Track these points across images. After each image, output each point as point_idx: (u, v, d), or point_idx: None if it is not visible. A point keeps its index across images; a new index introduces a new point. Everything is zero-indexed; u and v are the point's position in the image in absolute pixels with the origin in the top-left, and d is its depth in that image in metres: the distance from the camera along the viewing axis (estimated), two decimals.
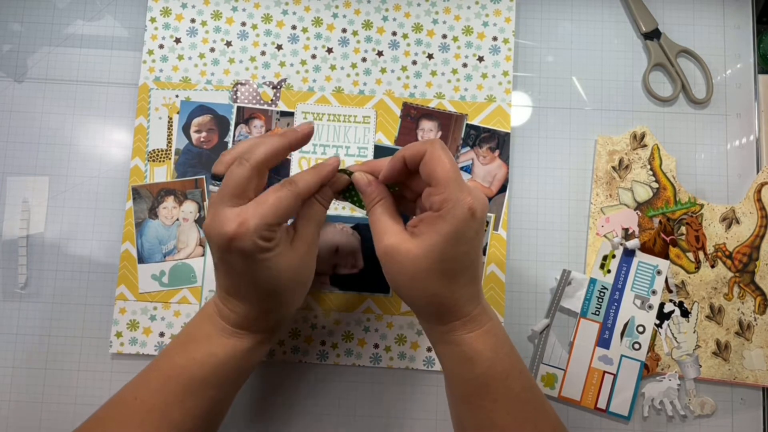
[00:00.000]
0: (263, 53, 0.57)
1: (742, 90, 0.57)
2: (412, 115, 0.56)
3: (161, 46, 0.56)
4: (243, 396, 0.53)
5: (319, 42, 0.57)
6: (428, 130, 0.55)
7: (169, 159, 0.55)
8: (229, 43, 0.57)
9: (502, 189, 0.55)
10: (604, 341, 0.53)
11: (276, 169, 0.54)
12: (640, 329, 0.53)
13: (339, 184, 0.43)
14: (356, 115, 0.56)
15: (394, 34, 0.57)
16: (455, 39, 0.57)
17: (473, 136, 0.55)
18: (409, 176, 0.42)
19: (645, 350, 0.53)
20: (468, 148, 0.55)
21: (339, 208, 0.55)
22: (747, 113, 0.57)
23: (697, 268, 0.54)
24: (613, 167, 0.55)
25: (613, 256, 0.54)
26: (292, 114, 0.56)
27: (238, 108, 0.56)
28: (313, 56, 0.57)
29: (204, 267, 0.54)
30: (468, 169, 0.55)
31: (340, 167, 0.43)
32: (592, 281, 0.54)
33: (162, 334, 0.53)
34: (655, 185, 0.55)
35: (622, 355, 0.53)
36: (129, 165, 0.55)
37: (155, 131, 0.55)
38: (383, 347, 0.53)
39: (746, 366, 0.53)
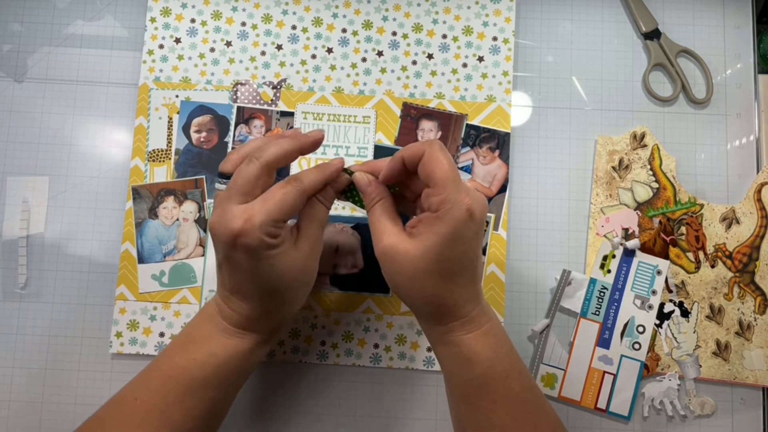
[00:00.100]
0: (263, 53, 0.57)
1: (742, 90, 0.57)
2: (412, 115, 0.56)
3: (161, 46, 0.56)
4: (243, 396, 0.53)
5: (319, 42, 0.57)
6: (428, 130, 0.55)
7: (169, 159, 0.55)
8: (229, 43, 0.57)
9: (502, 189, 0.55)
10: (604, 341, 0.53)
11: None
12: (640, 329, 0.53)
13: (340, 183, 0.43)
14: (356, 115, 0.56)
15: (394, 34, 0.57)
16: (455, 39, 0.57)
17: (473, 136, 0.55)
18: (408, 177, 0.42)
19: (645, 350, 0.53)
20: (468, 148, 0.55)
21: (339, 208, 0.55)
22: (747, 113, 0.57)
23: (697, 268, 0.54)
24: (613, 167, 0.55)
25: (613, 256, 0.54)
26: (292, 114, 0.56)
27: (238, 108, 0.56)
28: (313, 56, 0.57)
29: (204, 267, 0.54)
30: (468, 169, 0.55)
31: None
32: (592, 281, 0.54)
33: (162, 334, 0.53)
34: (655, 185, 0.55)
35: (622, 355, 0.53)
36: (129, 165, 0.55)
37: (155, 131, 0.55)
38: (383, 347, 0.53)
39: (746, 366, 0.53)
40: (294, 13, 0.57)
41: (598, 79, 0.57)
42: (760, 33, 0.58)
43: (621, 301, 0.53)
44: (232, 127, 0.56)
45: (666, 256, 0.54)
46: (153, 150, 0.55)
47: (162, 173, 0.55)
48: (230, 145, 0.55)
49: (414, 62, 0.57)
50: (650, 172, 0.55)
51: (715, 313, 0.53)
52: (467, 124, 0.55)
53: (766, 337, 0.53)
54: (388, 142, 0.55)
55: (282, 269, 0.39)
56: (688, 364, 0.53)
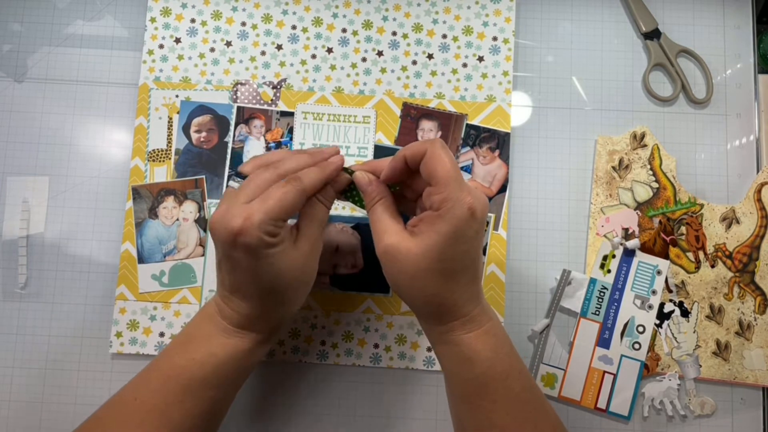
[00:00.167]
0: (263, 53, 0.57)
1: (742, 90, 0.57)
2: (412, 115, 0.56)
3: (161, 46, 0.56)
4: (243, 396, 0.53)
5: (319, 42, 0.57)
6: (428, 130, 0.55)
7: (169, 159, 0.55)
8: (229, 43, 0.57)
9: (502, 189, 0.55)
10: (604, 341, 0.53)
11: None
12: (640, 329, 0.53)
13: (340, 183, 0.43)
14: (356, 115, 0.56)
15: (394, 34, 0.57)
16: (455, 39, 0.57)
17: (473, 136, 0.55)
18: (410, 176, 0.42)
19: (645, 350, 0.53)
20: (468, 148, 0.55)
21: (339, 208, 0.55)
22: (747, 113, 0.57)
23: (697, 268, 0.54)
24: (613, 167, 0.55)
25: (613, 256, 0.54)
26: (292, 114, 0.56)
27: (238, 108, 0.56)
28: (313, 56, 0.57)
29: (204, 267, 0.54)
30: (468, 169, 0.55)
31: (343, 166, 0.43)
32: (592, 281, 0.54)
33: (162, 334, 0.53)
34: (655, 185, 0.55)
35: (622, 355, 0.53)
36: (129, 165, 0.55)
37: (155, 131, 0.55)
38: (383, 347, 0.53)
39: (746, 366, 0.53)
40: (294, 13, 0.57)
41: (598, 79, 0.57)
42: (760, 33, 0.58)
43: (621, 301, 0.53)
44: (232, 127, 0.56)
45: (666, 256, 0.54)
46: (153, 150, 0.55)
47: (162, 173, 0.55)
48: (230, 145, 0.55)
49: (414, 62, 0.57)
50: (650, 172, 0.55)
51: (715, 313, 0.53)
52: (467, 124, 0.55)
53: (766, 337, 0.53)
54: (388, 142, 0.55)
55: (281, 268, 0.39)
56: (688, 364, 0.53)
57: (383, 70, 0.56)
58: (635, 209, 0.55)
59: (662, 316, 0.53)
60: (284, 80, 0.56)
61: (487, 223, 0.54)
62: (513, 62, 0.56)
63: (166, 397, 0.40)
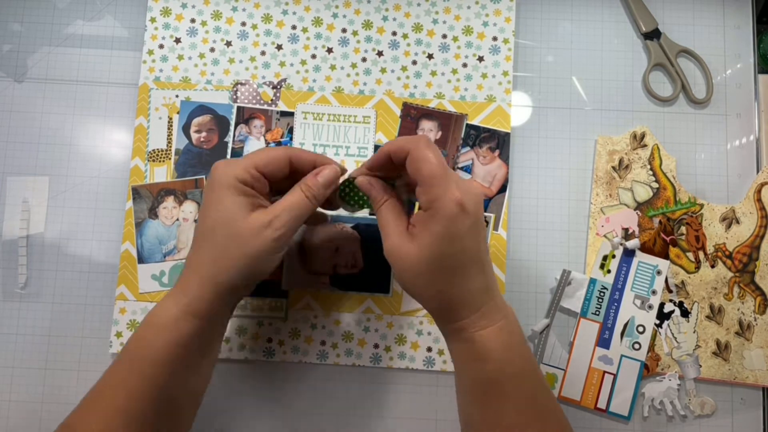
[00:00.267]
0: (263, 53, 0.57)
1: (742, 90, 0.57)
2: (412, 115, 0.56)
3: (161, 46, 0.56)
4: (243, 396, 0.53)
5: (319, 42, 0.57)
6: (428, 130, 0.55)
7: (169, 159, 0.55)
8: (229, 43, 0.57)
9: (502, 189, 0.55)
10: (604, 341, 0.53)
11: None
12: (640, 329, 0.53)
13: (328, 177, 0.44)
14: (356, 115, 0.56)
15: (394, 34, 0.57)
16: (455, 39, 0.57)
17: (473, 136, 0.55)
18: (402, 168, 0.42)
19: (645, 350, 0.53)
20: (468, 148, 0.55)
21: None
22: (747, 113, 0.57)
23: (697, 268, 0.54)
24: (613, 167, 0.55)
25: (613, 256, 0.54)
26: (292, 114, 0.56)
27: (238, 108, 0.56)
28: (313, 56, 0.57)
29: None
30: (468, 169, 0.55)
31: (342, 178, 0.45)
32: (592, 281, 0.54)
33: None
34: (655, 185, 0.55)
35: (622, 355, 0.53)
36: (129, 165, 0.55)
37: (155, 131, 0.55)
38: (383, 347, 0.53)
39: (746, 366, 0.53)
40: (294, 13, 0.57)
41: (598, 79, 0.57)
42: (760, 33, 0.58)
43: (621, 301, 0.53)
44: (232, 127, 0.56)
45: (666, 256, 0.54)
46: (153, 150, 0.55)
47: (162, 173, 0.55)
48: (230, 145, 0.55)
49: (414, 62, 0.57)
50: (650, 172, 0.55)
51: (715, 313, 0.53)
52: (467, 124, 0.55)
53: (766, 337, 0.53)
54: None
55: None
56: (688, 364, 0.53)
57: (383, 70, 0.56)
58: (635, 209, 0.55)
59: (662, 316, 0.53)
60: (284, 80, 0.56)
61: (487, 222, 0.54)
62: (513, 62, 0.56)
63: (112, 379, 0.40)
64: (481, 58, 0.56)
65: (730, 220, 0.54)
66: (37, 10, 0.58)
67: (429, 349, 0.53)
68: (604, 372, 0.53)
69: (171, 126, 0.55)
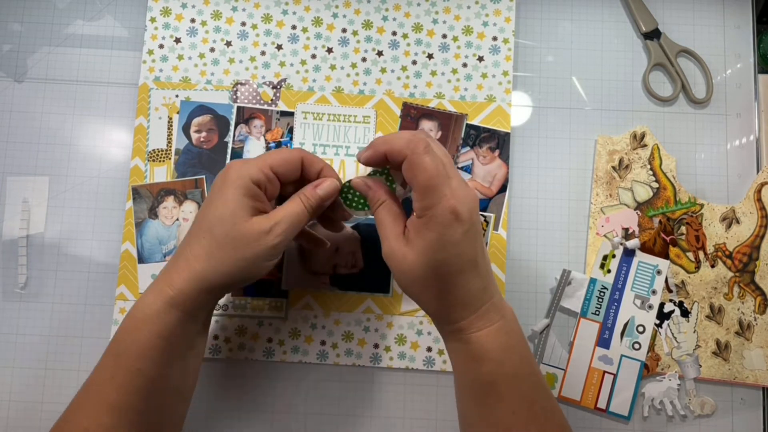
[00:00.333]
0: (263, 53, 0.57)
1: (742, 90, 0.57)
2: (412, 115, 0.56)
3: (161, 46, 0.56)
4: (243, 395, 0.53)
5: (319, 42, 0.57)
6: (428, 129, 0.55)
7: (169, 159, 0.55)
8: (229, 43, 0.57)
9: (502, 189, 0.55)
10: (604, 341, 0.53)
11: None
12: (640, 329, 0.53)
13: (326, 190, 0.44)
14: (356, 115, 0.56)
15: (394, 34, 0.57)
16: (455, 39, 0.57)
17: (473, 136, 0.55)
18: (399, 167, 0.41)
19: (645, 350, 0.53)
20: (468, 148, 0.55)
21: None
22: (747, 113, 0.57)
23: (697, 268, 0.54)
24: (613, 167, 0.55)
25: (613, 256, 0.54)
26: (292, 114, 0.56)
27: (238, 108, 0.56)
28: (313, 56, 0.57)
29: None
30: (468, 169, 0.55)
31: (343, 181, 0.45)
32: (592, 281, 0.54)
33: None
34: (655, 185, 0.55)
35: (622, 355, 0.53)
36: (129, 165, 0.55)
37: (155, 131, 0.55)
38: (383, 347, 0.53)
39: (746, 366, 0.53)
40: (294, 13, 0.57)
41: (598, 79, 0.57)
42: (760, 33, 0.58)
43: (621, 301, 0.53)
44: (232, 127, 0.56)
45: (666, 256, 0.54)
46: (153, 150, 0.55)
47: (162, 173, 0.55)
48: (230, 145, 0.55)
49: (414, 62, 0.57)
50: (650, 172, 0.55)
51: (715, 313, 0.53)
52: (467, 124, 0.55)
53: (766, 337, 0.53)
54: None
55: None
56: (688, 364, 0.53)
57: (383, 70, 0.56)
58: (635, 209, 0.55)
59: (662, 316, 0.53)
60: (284, 80, 0.56)
61: (487, 222, 0.54)
62: (513, 62, 0.56)
63: (101, 374, 0.40)
64: (481, 58, 0.56)
65: (730, 220, 0.54)
66: (37, 10, 0.58)
67: (429, 349, 0.53)
68: (604, 372, 0.53)
69: (171, 126, 0.55)
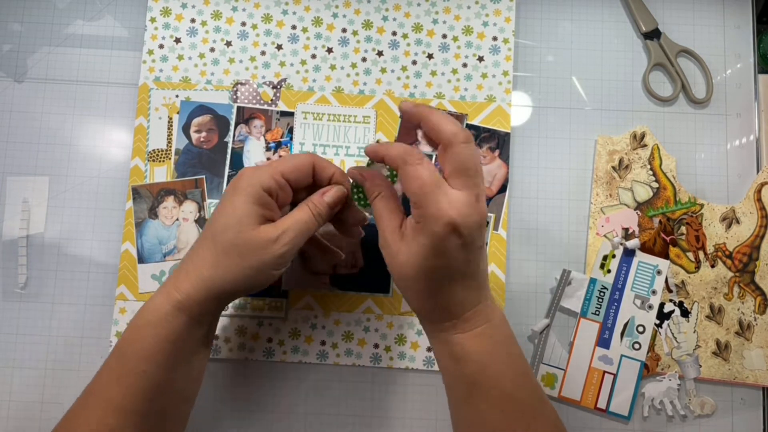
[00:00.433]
0: (263, 53, 0.57)
1: (742, 90, 0.57)
2: None
3: (161, 46, 0.56)
4: (243, 395, 0.53)
5: (319, 42, 0.57)
6: None
7: (169, 159, 0.55)
8: (229, 43, 0.57)
9: (502, 189, 0.55)
10: (604, 341, 0.53)
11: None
12: (640, 329, 0.53)
13: (334, 196, 0.44)
14: (356, 115, 0.56)
15: (394, 34, 0.57)
16: (455, 39, 0.57)
17: (473, 136, 0.55)
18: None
19: (645, 350, 0.53)
20: None
21: None
22: (747, 113, 0.57)
23: (697, 268, 0.54)
24: (613, 167, 0.55)
25: (613, 256, 0.54)
26: (292, 114, 0.56)
27: (238, 108, 0.56)
28: (313, 56, 0.57)
29: None
30: None
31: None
32: (592, 281, 0.54)
33: None
34: (655, 185, 0.55)
35: (622, 355, 0.53)
36: (129, 165, 0.55)
37: (155, 131, 0.55)
38: (383, 347, 0.53)
39: (746, 366, 0.53)
40: (294, 13, 0.57)
41: (598, 79, 0.57)
42: (760, 33, 0.58)
43: (621, 301, 0.53)
44: (232, 127, 0.56)
45: (666, 256, 0.54)
46: (153, 150, 0.55)
47: (162, 173, 0.55)
48: (230, 145, 0.55)
49: (414, 62, 0.57)
50: (650, 172, 0.55)
51: (715, 313, 0.53)
52: (467, 124, 0.55)
53: (766, 337, 0.53)
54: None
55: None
56: (688, 364, 0.53)
57: (383, 70, 0.56)
58: (635, 209, 0.55)
59: (662, 316, 0.53)
60: (284, 80, 0.56)
61: (487, 222, 0.54)
62: (513, 62, 0.56)
63: (106, 376, 0.40)
64: (481, 58, 0.56)
65: (730, 220, 0.54)
66: (37, 10, 0.58)
67: (429, 349, 0.53)
68: (604, 372, 0.53)
69: (171, 126, 0.55)
